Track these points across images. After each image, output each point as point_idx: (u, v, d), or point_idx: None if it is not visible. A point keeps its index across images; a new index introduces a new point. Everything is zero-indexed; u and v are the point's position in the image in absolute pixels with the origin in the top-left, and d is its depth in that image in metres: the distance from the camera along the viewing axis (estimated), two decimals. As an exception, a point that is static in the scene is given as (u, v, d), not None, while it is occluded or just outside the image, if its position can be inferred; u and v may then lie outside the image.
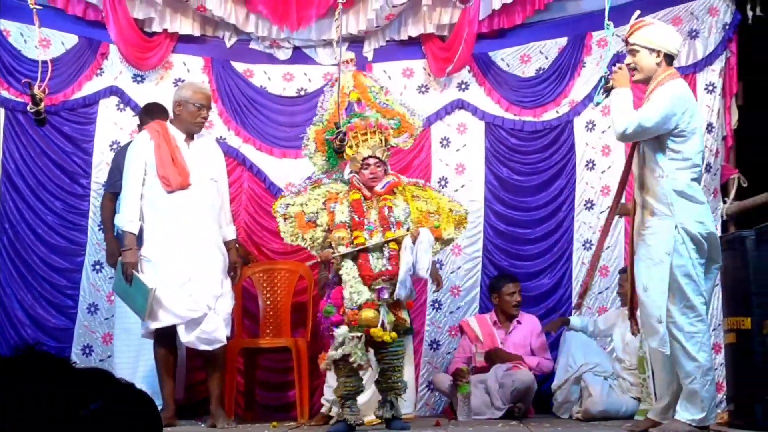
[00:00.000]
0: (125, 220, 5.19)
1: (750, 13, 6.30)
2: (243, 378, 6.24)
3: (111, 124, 6.52)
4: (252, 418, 6.06)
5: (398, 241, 4.74)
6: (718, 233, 5.98)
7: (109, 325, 6.30)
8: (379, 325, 4.64)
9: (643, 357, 5.65)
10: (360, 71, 5.30)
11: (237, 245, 5.58)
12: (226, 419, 5.28)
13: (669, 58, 4.53)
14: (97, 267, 6.35)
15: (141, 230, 5.23)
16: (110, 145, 6.45)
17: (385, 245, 4.73)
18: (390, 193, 4.85)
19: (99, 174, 6.40)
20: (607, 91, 4.58)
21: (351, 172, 4.99)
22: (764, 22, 6.25)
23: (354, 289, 4.64)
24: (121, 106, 6.55)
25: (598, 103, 4.87)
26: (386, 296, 4.67)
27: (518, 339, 6.28)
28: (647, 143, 4.48)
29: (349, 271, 4.69)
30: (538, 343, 6.28)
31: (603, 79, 4.67)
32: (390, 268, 4.69)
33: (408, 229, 4.77)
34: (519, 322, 6.33)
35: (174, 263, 5.15)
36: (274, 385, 6.52)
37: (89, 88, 6.49)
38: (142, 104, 6.42)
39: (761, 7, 6.26)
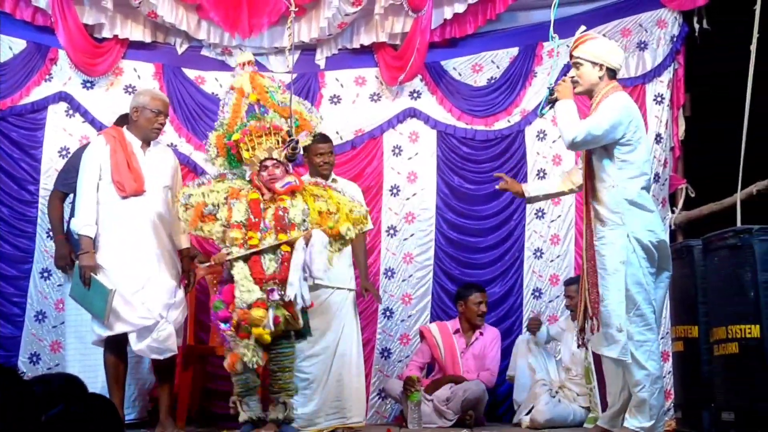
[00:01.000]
0: (81, 224, 5.11)
1: (697, 26, 6.41)
2: (194, 386, 6.16)
3: (60, 130, 6.42)
4: (202, 426, 6.00)
5: (291, 244, 4.72)
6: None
7: (57, 333, 6.20)
8: (267, 325, 4.61)
9: (588, 368, 5.71)
10: (258, 72, 5.25)
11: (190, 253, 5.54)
12: (176, 428, 5.23)
13: (611, 72, 4.61)
14: (45, 274, 6.24)
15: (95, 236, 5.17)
16: (59, 151, 6.34)
17: (278, 248, 4.72)
18: (289, 194, 4.85)
19: (47, 180, 6.29)
20: (552, 103, 4.65)
21: (251, 175, 4.98)
22: (710, 35, 6.36)
23: (245, 288, 4.62)
24: (71, 112, 6.46)
25: (542, 114, 4.93)
26: (276, 298, 4.65)
27: (478, 350, 6.30)
28: (596, 154, 4.54)
29: (240, 271, 4.67)
30: (491, 356, 6.31)
31: (549, 91, 4.72)
32: (281, 271, 4.68)
33: (305, 230, 4.77)
34: (481, 334, 6.34)
35: (127, 270, 5.08)
36: (225, 393, 6.44)
37: (38, 93, 6.39)
38: (91, 110, 6.35)
39: (707, 20, 6.38)
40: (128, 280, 5.05)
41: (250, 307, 4.59)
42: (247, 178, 4.97)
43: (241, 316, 4.60)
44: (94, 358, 5.47)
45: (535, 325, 6.13)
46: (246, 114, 4.96)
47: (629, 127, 4.46)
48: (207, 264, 5.13)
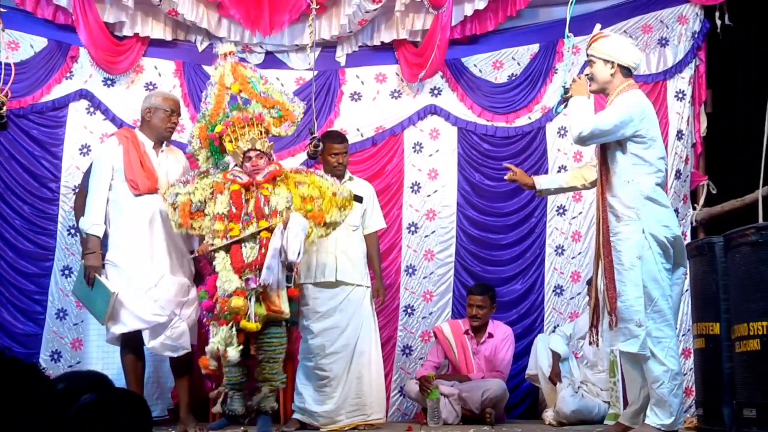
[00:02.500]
0: (89, 223, 5.18)
1: (719, 22, 6.37)
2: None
3: (81, 128, 6.46)
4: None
5: (272, 230, 4.75)
6: (687, 239, 6.06)
7: (78, 330, 6.25)
8: (249, 315, 4.63)
9: (614, 361, 5.68)
10: (240, 63, 5.27)
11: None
12: (197, 424, 5.25)
13: (626, 70, 4.64)
14: (66, 272, 6.28)
15: (106, 234, 5.21)
16: (80, 149, 6.39)
17: (258, 235, 4.75)
18: (270, 182, 4.85)
19: (68, 178, 6.35)
20: (567, 101, 4.70)
21: (234, 165, 4.99)
22: (732, 31, 6.31)
23: (225, 278, 4.68)
24: (92, 109, 6.49)
25: (558, 113, 4.97)
26: (253, 286, 4.67)
27: (489, 351, 6.29)
28: (611, 150, 4.56)
29: (221, 261, 4.74)
30: (501, 358, 6.29)
31: (563, 89, 4.77)
32: (259, 257, 4.71)
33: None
34: (491, 335, 6.33)
35: (140, 268, 5.13)
36: (250, 391, 6.46)
37: (59, 91, 6.42)
38: (112, 108, 6.37)
39: (729, 16, 6.33)
40: (141, 277, 5.10)
41: (230, 296, 4.62)
42: (230, 170, 4.99)
43: (222, 305, 4.64)
44: (115, 356, 5.50)
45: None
46: (228, 105, 5.00)
47: (642, 124, 4.48)
48: (192, 256, 5.19)
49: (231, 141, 4.91)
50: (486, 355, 6.27)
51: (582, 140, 4.56)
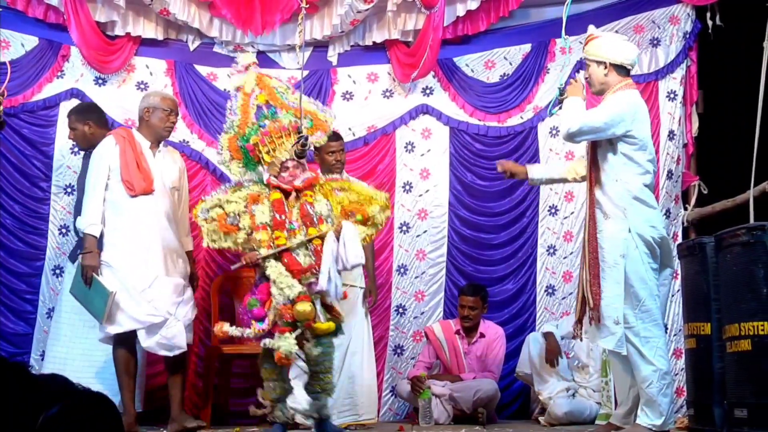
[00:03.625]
0: (87, 223, 5.17)
1: (710, 23, 6.38)
2: (213, 384, 6.18)
3: (72, 127, 6.45)
4: (215, 423, 6.02)
5: (322, 238, 4.65)
6: (678, 239, 6.08)
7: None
8: (317, 317, 4.53)
9: (607, 360, 5.69)
10: (263, 73, 5.18)
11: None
12: (193, 419, 5.29)
13: (620, 69, 4.66)
14: (57, 271, 6.26)
15: (101, 235, 5.20)
16: (71, 149, 6.36)
17: (310, 242, 4.65)
18: (309, 189, 4.80)
19: (59, 177, 6.33)
20: (562, 102, 4.73)
21: (270, 176, 4.90)
22: (723, 32, 6.33)
23: (285, 284, 4.50)
24: (83, 108, 6.48)
25: (552, 114, 5.00)
26: (317, 288, 4.54)
27: (480, 351, 6.30)
28: (602, 148, 4.60)
29: (274, 268, 4.56)
30: (493, 357, 6.30)
31: (558, 91, 4.81)
32: (317, 261, 4.58)
33: (332, 225, 4.73)
34: (482, 335, 6.33)
35: (135, 268, 5.13)
36: (241, 391, 6.47)
37: (50, 90, 6.40)
38: (103, 107, 6.34)
39: (721, 17, 6.34)
40: (136, 278, 5.10)
41: (293, 302, 4.50)
42: (265, 181, 4.88)
43: (285, 312, 4.50)
44: (97, 354, 5.48)
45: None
46: (255, 116, 4.91)
47: (633, 125, 4.51)
48: (238, 265, 4.91)
49: (268, 152, 4.83)
50: (477, 355, 6.28)
51: (570, 136, 4.60)
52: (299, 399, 4.58)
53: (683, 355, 5.59)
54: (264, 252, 4.59)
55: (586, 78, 4.75)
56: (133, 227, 5.16)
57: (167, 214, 5.29)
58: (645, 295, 4.42)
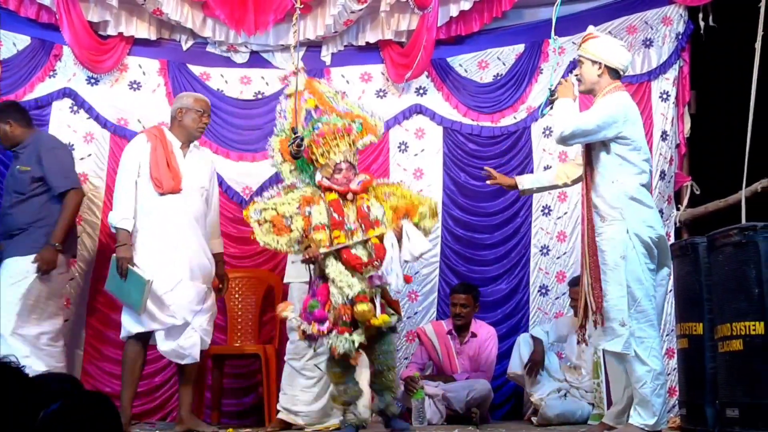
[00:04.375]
0: (119, 218, 5.24)
1: (702, 23, 6.40)
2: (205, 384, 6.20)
3: (64, 126, 6.44)
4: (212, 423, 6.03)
5: (380, 239, 4.68)
6: (671, 239, 6.09)
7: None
8: (376, 314, 4.57)
9: (598, 362, 5.70)
10: (313, 78, 5.25)
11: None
12: (205, 424, 5.36)
13: (613, 72, 4.68)
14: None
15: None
16: (64, 148, 6.36)
17: (368, 242, 4.68)
18: (365, 192, 4.83)
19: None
20: (553, 103, 4.74)
21: (322, 177, 4.91)
22: (716, 32, 6.34)
23: (345, 283, 4.55)
24: (75, 108, 6.48)
25: (543, 114, 5.01)
26: (378, 283, 4.57)
27: (472, 351, 6.30)
28: (596, 150, 4.60)
29: (334, 267, 4.61)
30: (485, 357, 6.30)
31: (549, 92, 4.81)
32: (376, 254, 4.62)
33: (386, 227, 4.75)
34: (474, 335, 6.34)
35: (160, 269, 5.17)
36: (234, 391, 6.47)
37: (42, 89, 6.41)
38: (96, 106, 6.36)
39: (713, 18, 6.36)
40: (159, 280, 5.14)
41: (353, 302, 4.54)
42: (316, 183, 4.89)
43: (344, 312, 4.54)
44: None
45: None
46: (305, 120, 4.92)
47: (624, 127, 4.52)
48: (302, 260, 4.83)
49: (323, 153, 4.83)
50: (470, 355, 6.28)
51: (563, 140, 4.60)
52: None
53: (675, 355, 5.59)
54: (324, 250, 4.62)
55: (576, 75, 4.76)
56: (161, 226, 5.22)
57: (195, 215, 5.34)
58: (641, 295, 4.42)
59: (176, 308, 5.15)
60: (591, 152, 4.64)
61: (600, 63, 4.64)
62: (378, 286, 4.61)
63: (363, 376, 5.12)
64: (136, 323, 5.18)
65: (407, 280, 4.81)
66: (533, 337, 6.12)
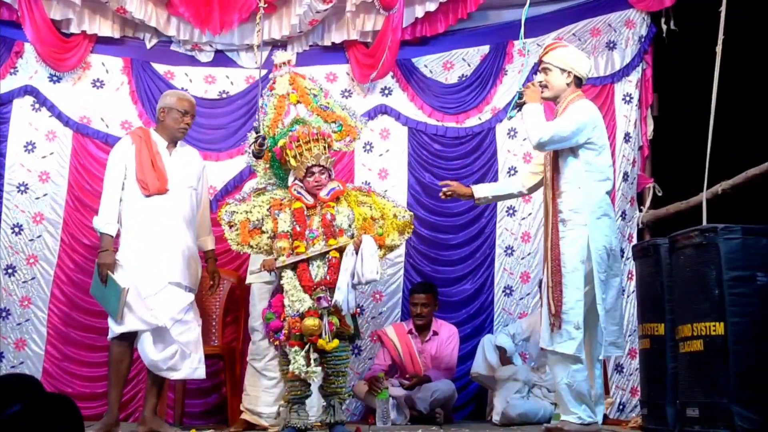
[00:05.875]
0: (103, 222, 5.17)
1: (664, 27, 6.46)
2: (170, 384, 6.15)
3: (26, 125, 6.38)
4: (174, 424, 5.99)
5: (340, 250, 4.69)
6: (633, 240, 6.16)
7: (21, 331, 6.17)
8: (323, 333, 4.57)
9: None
10: (298, 73, 5.18)
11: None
12: (167, 425, 5.28)
13: (578, 80, 4.78)
14: (9, 271, 6.19)
15: (117, 234, 5.21)
16: (24, 146, 6.30)
17: (327, 253, 4.68)
18: (334, 201, 4.81)
19: (12, 175, 6.27)
20: (520, 106, 4.80)
21: (295, 179, 4.92)
22: (678, 36, 6.41)
23: (295, 298, 4.57)
24: (37, 106, 6.42)
25: (510, 117, 5.06)
26: (325, 305, 4.59)
27: (434, 350, 6.31)
28: (563, 156, 4.68)
29: (289, 280, 4.62)
30: (447, 355, 6.31)
31: (518, 95, 4.87)
32: (329, 277, 4.64)
33: (352, 236, 4.74)
34: (436, 333, 6.35)
35: (145, 272, 5.11)
36: (197, 392, 6.43)
37: (2, 87, 6.33)
38: (58, 104, 6.28)
39: (675, 22, 6.43)
40: (144, 282, 5.09)
41: (302, 317, 4.54)
42: (290, 185, 4.90)
43: (293, 325, 4.55)
44: None
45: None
46: (286, 116, 4.91)
47: (594, 132, 4.63)
48: (256, 271, 4.94)
49: (295, 156, 4.80)
50: (432, 354, 6.29)
51: (541, 146, 4.67)
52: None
53: (638, 356, 5.65)
54: (281, 261, 4.63)
55: (540, 82, 4.79)
56: (148, 228, 5.16)
57: (183, 215, 5.28)
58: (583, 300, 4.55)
59: (157, 312, 5.08)
60: (558, 158, 4.71)
61: (569, 72, 4.73)
62: (325, 308, 4.61)
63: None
64: (120, 324, 5.09)
65: (354, 313, 4.79)
66: (498, 347, 6.13)
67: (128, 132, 5.59)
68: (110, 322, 5.15)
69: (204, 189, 5.58)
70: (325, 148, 4.84)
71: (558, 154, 4.70)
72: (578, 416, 4.58)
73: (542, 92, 4.77)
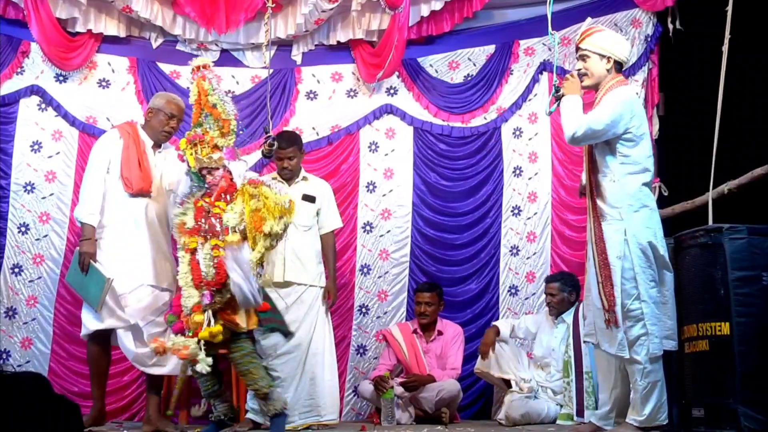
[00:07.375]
0: (85, 212, 5.17)
1: (671, 26, 6.45)
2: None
3: (32, 124, 6.39)
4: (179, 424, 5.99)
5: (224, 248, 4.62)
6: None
7: (27, 329, 6.18)
8: (205, 325, 4.52)
9: (568, 361, 5.72)
10: (205, 75, 4.90)
11: None
12: (172, 424, 5.29)
13: (618, 65, 4.58)
14: (16, 270, 6.20)
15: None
16: (31, 146, 6.31)
17: (212, 253, 4.59)
18: (219, 199, 4.74)
19: (19, 175, 6.28)
20: (558, 100, 4.59)
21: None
22: (684, 35, 6.40)
23: (186, 294, 4.57)
24: (43, 105, 6.42)
25: (550, 113, 4.88)
26: (207, 302, 4.51)
27: (439, 350, 6.30)
28: (599, 149, 4.50)
29: (183, 276, 4.61)
30: (452, 355, 6.29)
31: (555, 88, 4.66)
32: (214, 276, 4.53)
33: (244, 231, 4.64)
34: (441, 332, 6.34)
35: (122, 270, 5.10)
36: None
37: (9, 86, 6.33)
38: (64, 104, 6.29)
39: (681, 21, 6.41)
40: (120, 280, 5.08)
41: (191, 312, 4.53)
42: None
43: (186, 322, 4.55)
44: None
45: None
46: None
47: (631, 122, 4.42)
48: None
49: (192, 157, 4.81)
50: (437, 353, 6.28)
51: (576, 141, 4.49)
52: None
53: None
54: (180, 256, 4.64)
55: (579, 71, 4.60)
56: (128, 227, 5.16)
57: (164, 217, 5.28)
58: (633, 295, 4.36)
59: (130, 310, 5.08)
60: (594, 151, 4.54)
61: (609, 57, 4.53)
62: (207, 305, 4.54)
63: None
64: (94, 320, 5.11)
65: (264, 307, 4.69)
66: (493, 325, 6.11)
67: (115, 125, 5.54)
68: (84, 318, 5.16)
69: None
70: (210, 148, 4.72)
71: (593, 147, 4.53)
72: (632, 418, 4.44)
73: (582, 81, 4.56)
